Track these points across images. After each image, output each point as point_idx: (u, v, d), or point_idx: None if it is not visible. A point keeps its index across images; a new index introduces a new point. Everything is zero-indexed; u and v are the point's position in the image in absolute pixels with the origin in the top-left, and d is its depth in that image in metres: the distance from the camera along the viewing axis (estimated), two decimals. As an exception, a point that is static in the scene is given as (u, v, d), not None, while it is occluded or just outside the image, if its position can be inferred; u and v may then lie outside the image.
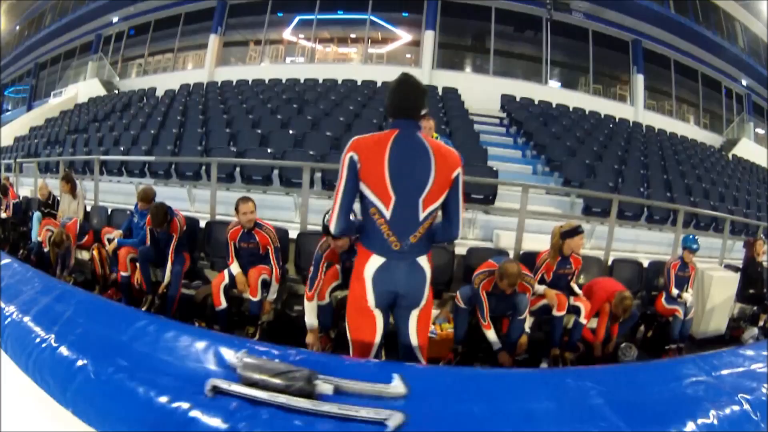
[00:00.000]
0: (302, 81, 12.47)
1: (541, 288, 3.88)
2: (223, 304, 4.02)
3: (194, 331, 1.91)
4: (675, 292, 4.58)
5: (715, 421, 1.51)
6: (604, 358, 4.14)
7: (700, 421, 1.49)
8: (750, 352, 1.95)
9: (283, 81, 12.74)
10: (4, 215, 7.04)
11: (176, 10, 15.60)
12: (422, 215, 1.99)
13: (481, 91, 12.06)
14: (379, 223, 1.98)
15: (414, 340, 2.15)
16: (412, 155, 1.95)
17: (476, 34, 13.94)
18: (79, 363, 1.75)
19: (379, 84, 11.82)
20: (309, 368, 1.52)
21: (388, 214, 1.97)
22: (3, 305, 2.23)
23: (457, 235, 2.07)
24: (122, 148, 8.56)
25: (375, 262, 2.02)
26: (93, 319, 2.03)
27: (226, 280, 4.02)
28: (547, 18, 13.05)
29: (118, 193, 7.17)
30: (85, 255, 5.31)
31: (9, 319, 2.14)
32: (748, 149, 14.20)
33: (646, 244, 6.82)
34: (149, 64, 16.51)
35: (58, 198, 6.13)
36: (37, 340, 1.94)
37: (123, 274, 4.52)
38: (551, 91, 13.10)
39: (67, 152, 9.59)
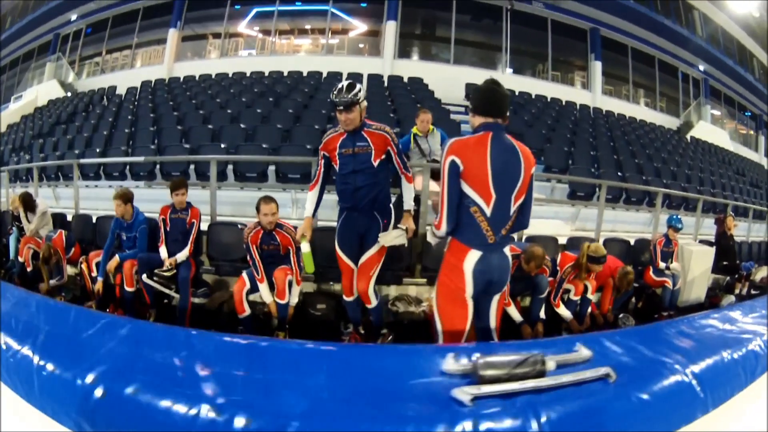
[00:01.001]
0: (267, 74, 12.44)
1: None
2: (247, 310, 3.91)
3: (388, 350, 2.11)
4: (662, 265, 5.19)
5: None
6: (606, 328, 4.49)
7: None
8: (732, 314, 2.29)
9: (248, 74, 12.68)
10: None
11: (134, 5, 15.22)
12: (512, 209, 2.21)
13: (444, 79, 12.18)
14: (479, 219, 2.18)
15: (493, 322, 2.41)
16: (507, 156, 2.17)
17: (436, 23, 14.01)
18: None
19: (345, 75, 11.82)
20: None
21: (488, 211, 2.16)
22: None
23: (528, 224, 2.38)
24: (98, 150, 8.25)
25: (473, 256, 2.21)
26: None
27: (248, 285, 3.91)
28: (508, 8, 13.25)
29: (98, 199, 6.74)
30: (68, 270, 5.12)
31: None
32: (705, 131, 14.72)
33: (624, 224, 7.44)
34: (107, 62, 16.06)
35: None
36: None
37: (129, 290, 4.32)
38: (510, 79, 13.26)
39: (37, 158, 9.07)
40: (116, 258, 4.43)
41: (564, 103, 12.70)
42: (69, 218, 5.93)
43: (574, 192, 7.32)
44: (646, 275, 5.29)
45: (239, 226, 4.76)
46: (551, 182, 7.57)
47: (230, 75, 12.56)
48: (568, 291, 4.34)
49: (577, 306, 4.38)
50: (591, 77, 14.09)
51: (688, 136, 14.20)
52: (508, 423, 1.37)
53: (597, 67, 14.01)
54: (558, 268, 4.27)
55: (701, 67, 15.46)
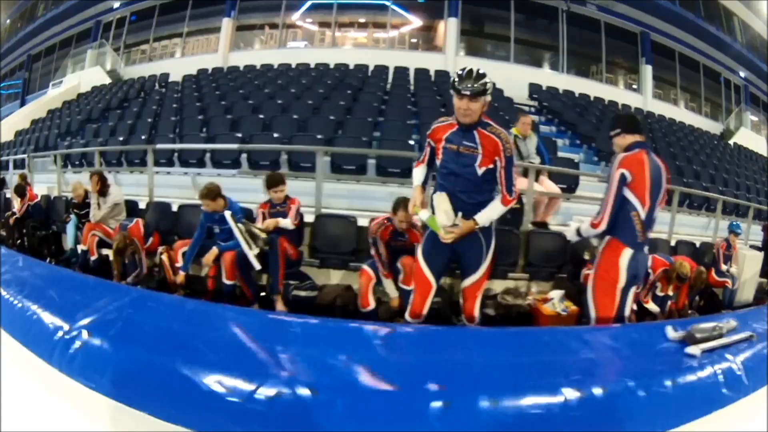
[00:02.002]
0: (332, 66, 12.44)
1: None
2: (372, 304, 3.91)
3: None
4: (725, 267, 5.70)
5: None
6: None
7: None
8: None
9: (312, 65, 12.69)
10: (14, 215, 6.44)
11: (185, -6, 15.14)
12: (656, 214, 2.66)
13: (506, 78, 12.24)
14: (636, 222, 2.58)
15: (628, 311, 2.77)
16: (657, 168, 2.61)
17: (494, 22, 14.13)
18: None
19: (411, 71, 11.88)
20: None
21: (644, 215, 2.56)
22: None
23: None
24: (170, 136, 8.07)
25: (628, 253, 2.61)
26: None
27: (374, 278, 3.90)
28: (564, 9, 13.41)
29: (170, 186, 6.58)
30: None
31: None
32: (746, 137, 14.99)
33: (684, 227, 7.29)
34: (155, 50, 16.00)
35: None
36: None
37: (229, 282, 4.10)
38: (568, 80, 13.46)
39: (95, 143, 8.89)
40: (215, 249, 4.15)
41: (620, 106, 12.86)
42: (142, 206, 5.58)
43: (691, 203, 7.71)
44: (709, 276, 5.52)
45: (350, 219, 4.76)
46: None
47: (293, 66, 12.54)
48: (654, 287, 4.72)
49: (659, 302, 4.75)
50: (642, 81, 14.30)
51: (731, 142, 14.45)
52: (725, 365, 1.96)
53: (648, 70, 14.24)
54: (650, 270, 4.47)
55: (742, 74, 15.78)
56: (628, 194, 2.54)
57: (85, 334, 1.91)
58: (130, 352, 1.85)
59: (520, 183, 4.54)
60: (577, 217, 5.89)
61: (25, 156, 9.03)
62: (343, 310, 4.19)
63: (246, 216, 4.26)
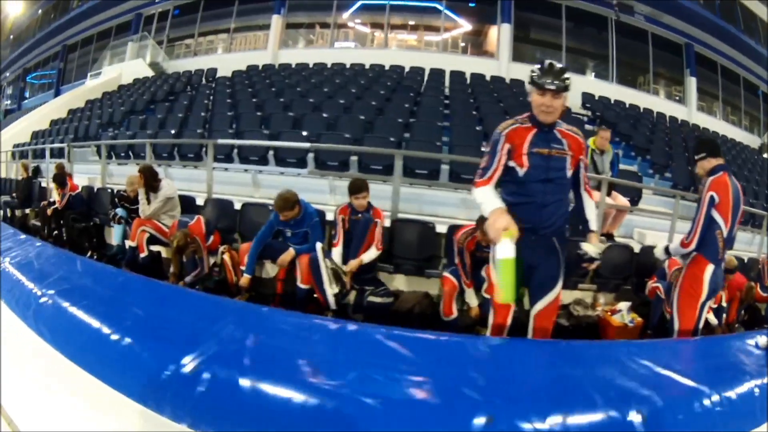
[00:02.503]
0: (387, 67, 12.44)
1: None
2: (455, 313, 3.92)
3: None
4: None
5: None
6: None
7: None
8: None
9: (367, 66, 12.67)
10: (53, 206, 6.19)
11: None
12: (735, 232, 2.92)
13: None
14: (719, 240, 2.83)
15: (702, 322, 3.02)
16: (738, 190, 2.86)
17: (544, 29, 14.21)
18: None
19: (468, 75, 11.93)
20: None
21: (726, 234, 2.83)
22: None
23: None
24: (230, 131, 7.97)
25: (711, 269, 2.86)
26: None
27: (458, 287, 3.93)
28: (614, 18, 13.48)
29: (228, 183, 6.53)
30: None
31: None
32: (782, 152, 15.08)
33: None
34: (200, 44, 15.99)
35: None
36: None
37: (303, 287, 3.96)
38: (617, 89, 13.54)
39: (143, 135, 8.66)
40: (291, 251, 4.04)
41: (668, 118, 12.92)
42: (199, 202, 5.42)
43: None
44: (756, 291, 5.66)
45: (429, 224, 4.74)
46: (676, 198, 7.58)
47: (347, 65, 12.53)
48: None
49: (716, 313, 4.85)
50: (687, 92, 14.37)
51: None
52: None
53: (692, 82, 14.32)
54: None
55: (779, 88, 15.88)
56: (715, 214, 2.80)
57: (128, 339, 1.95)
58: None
59: (594, 196, 4.73)
60: (638, 229, 6.13)
61: (64, 145, 8.86)
62: (420, 317, 4.19)
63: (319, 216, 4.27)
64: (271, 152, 6.76)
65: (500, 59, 13.16)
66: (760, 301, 5.61)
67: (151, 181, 4.81)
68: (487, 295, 3.88)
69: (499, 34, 13.37)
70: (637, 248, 5.11)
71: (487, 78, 11.77)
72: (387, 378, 1.75)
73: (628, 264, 4.86)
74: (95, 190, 6.63)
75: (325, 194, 6.13)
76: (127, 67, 15.49)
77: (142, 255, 4.69)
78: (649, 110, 12.88)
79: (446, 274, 3.99)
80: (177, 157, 7.55)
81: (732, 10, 14.73)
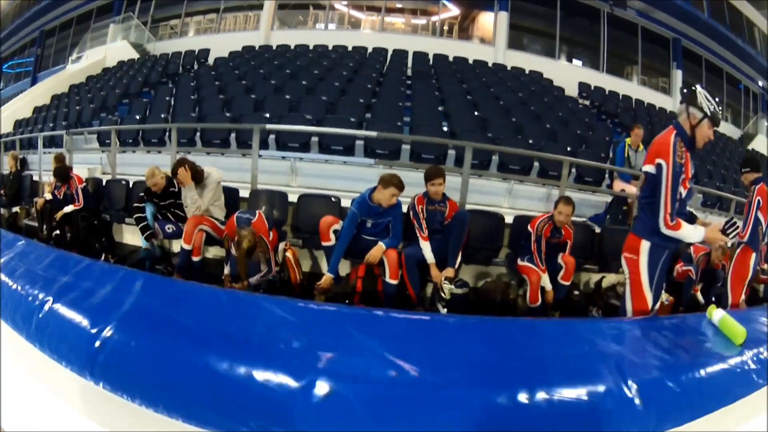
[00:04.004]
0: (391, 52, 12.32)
1: None
2: (540, 300, 4.12)
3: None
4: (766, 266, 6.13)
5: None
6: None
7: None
8: None
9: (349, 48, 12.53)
10: (69, 208, 5.41)
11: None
12: None
13: (553, 75, 12.48)
14: (760, 234, 3.66)
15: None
16: None
17: (542, 19, 14.31)
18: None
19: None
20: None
21: (765, 229, 3.68)
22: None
23: None
24: (267, 115, 7.15)
25: (754, 256, 3.69)
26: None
27: (541, 274, 4.13)
28: (608, 11, 13.73)
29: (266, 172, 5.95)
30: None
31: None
32: (762, 143, 15.67)
33: None
34: (186, 25, 15.50)
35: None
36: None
37: (393, 282, 3.81)
38: (607, 80, 13.81)
39: (157, 119, 8.12)
40: (381, 246, 3.82)
41: (657, 109, 13.26)
42: (243, 194, 4.98)
43: (705, 202, 7.99)
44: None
45: (498, 215, 4.79)
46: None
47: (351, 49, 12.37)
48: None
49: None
50: (673, 84, 14.76)
51: (749, 147, 15.08)
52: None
53: (678, 75, 14.70)
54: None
55: (760, 83, 16.44)
56: (759, 215, 3.63)
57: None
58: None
59: (629, 188, 5.68)
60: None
61: (60, 132, 8.21)
62: (502, 306, 4.28)
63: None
64: (314, 138, 6.48)
65: (496, 46, 13.24)
66: (760, 283, 5.92)
67: (196, 175, 4.26)
68: (564, 282, 4.20)
69: (496, 22, 13.45)
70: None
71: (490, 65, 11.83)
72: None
73: None
74: (104, 182, 6.06)
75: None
76: (111, 49, 14.88)
77: (197, 259, 4.19)
78: (640, 101, 13.20)
79: (525, 263, 4.18)
80: (198, 143, 7.06)
81: (720, 9, 15.17)
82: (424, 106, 8.10)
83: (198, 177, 4.25)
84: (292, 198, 4.82)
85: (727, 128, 15.52)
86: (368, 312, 2.23)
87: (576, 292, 4.65)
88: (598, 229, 5.21)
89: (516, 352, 1.98)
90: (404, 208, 4.01)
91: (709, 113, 2.47)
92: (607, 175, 6.62)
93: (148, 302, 2.19)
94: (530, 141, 6.88)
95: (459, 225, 3.93)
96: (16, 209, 7.27)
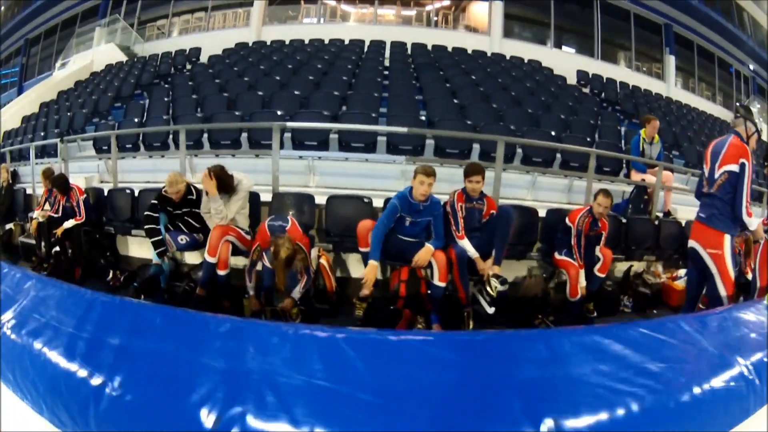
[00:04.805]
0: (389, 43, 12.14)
1: None
2: (580, 293, 4.15)
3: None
4: None
5: None
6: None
7: None
8: None
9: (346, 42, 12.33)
10: (71, 223, 5.00)
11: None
12: None
13: (550, 63, 12.46)
14: None
15: None
16: None
17: (535, 7, 14.27)
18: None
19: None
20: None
21: None
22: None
23: None
24: (283, 112, 6.79)
25: None
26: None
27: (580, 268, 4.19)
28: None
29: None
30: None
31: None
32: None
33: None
34: (173, 25, 15.20)
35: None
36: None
37: (441, 285, 3.68)
38: (602, 66, 13.83)
39: (159, 121, 7.70)
40: (429, 247, 3.66)
41: (653, 93, 13.32)
42: (265, 197, 4.73)
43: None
44: None
45: (531, 210, 4.86)
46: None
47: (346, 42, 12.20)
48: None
49: None
50: (666, 70, 14.85)
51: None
52: None
53: (671, 60, 14.81)
54: None
55: (751, 67, 16.64)
56: None
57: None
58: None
59: (649, 178, 5.92)
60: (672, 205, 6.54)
61: (54, 141, 7.83)
62: (542, 302, 4.28)
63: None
64: (334, 136, 6.23)
65: (492, 36, 13.21)
66: None
67: (226, 179, 3.98)
68: (600, 274, 4.29)
69: (491, 12, 13.39)
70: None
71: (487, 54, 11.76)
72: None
73: (679, 236, 5.42)
74: (105, 192, 5.67)
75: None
76: (98, 53, 14.49)
77: (223, 273, 3.90)
78: (637, 87, 13.24)
79: (563, 257, 4.22)
80: (206, 144, 6.62)
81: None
82: (439, 99, 7.96)
83: (225, 185, 3.97)
84: (319, 200, 4.64)
85: (720, 111, 15.70)
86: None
87: (609, 283, 4.71)
88: (623, 219, 5.32)
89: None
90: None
91: (758, 129, 3.18)
92: (624, 166, 6.67)
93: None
94: (552, 133, 6.82)
95: (504, 221, 3.91)
96: (9, 226, 6.76)
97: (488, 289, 3.72)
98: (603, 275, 4.34)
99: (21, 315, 2.28)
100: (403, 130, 5.88)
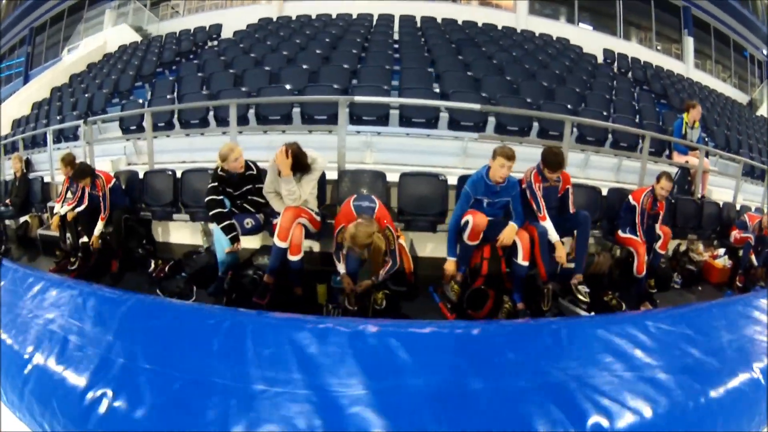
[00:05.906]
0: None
1: None
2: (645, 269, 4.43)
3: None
4: None
5: None
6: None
7: None
8: None
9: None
10: (99, 230, 4.66)
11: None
12: None
13: (576, 42, 12.40)
14: None
15: None
16: None
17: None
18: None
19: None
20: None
21: None
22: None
23: None
24: (336, 87, 6.58)
25: None
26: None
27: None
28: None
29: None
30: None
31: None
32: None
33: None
34: (189, 2, 14.77)
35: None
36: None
37: (524, 264, 3.71)
38: (625, 46, 13.78)
39: (194, 97, 7.29)
40: (513, 225, 3.64)
41: (675, 73, 13.32)
42: (332, 175, 4.56)
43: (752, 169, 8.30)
44: None
45: (596, 189, 4.98)
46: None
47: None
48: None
49: None
50: (684, 51, 14.87)
51: (757, 113, 15.35)
52: None
53: (690, 42, 14.81)
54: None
55: (765, 52, 16.72)
56: None
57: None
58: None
59: (692, 160, 6.19)
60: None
61: (76, 123, 7.51)
62: (610, 278, 4.47)
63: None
64: (394, 111, 6.08)
65: (518, 12, 13.09)
66: None
67: (302, 158, 3.71)
68: (661, 251, 4.40)
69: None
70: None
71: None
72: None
73: (718, 217, 6.00)
74: (140, 175, 5.23)
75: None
76: (111, 34, 14.11)
77: (296, 258, 3.60)
78: (660, 67, 13.24)
79: (627, 235, 4.40)
80: (251, 120, 6.36)
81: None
82: (493, 77, 7.85)
83: (301, 164, 3.71)
84: (391, 177, 4.51)
85: (736, 94, 15.78)
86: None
87: (663, 260, 4.94)
88: (672, 200, 5.49)
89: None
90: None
91: None
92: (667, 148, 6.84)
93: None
94: (603, 113, 6.90)
95: (583, 227, 3.99)
96: (25, 218, 6.45)
97: (579, 296, 3.89)
98: (663, 252, 4.61)
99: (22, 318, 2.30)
100: (476, 106, 5.70)
